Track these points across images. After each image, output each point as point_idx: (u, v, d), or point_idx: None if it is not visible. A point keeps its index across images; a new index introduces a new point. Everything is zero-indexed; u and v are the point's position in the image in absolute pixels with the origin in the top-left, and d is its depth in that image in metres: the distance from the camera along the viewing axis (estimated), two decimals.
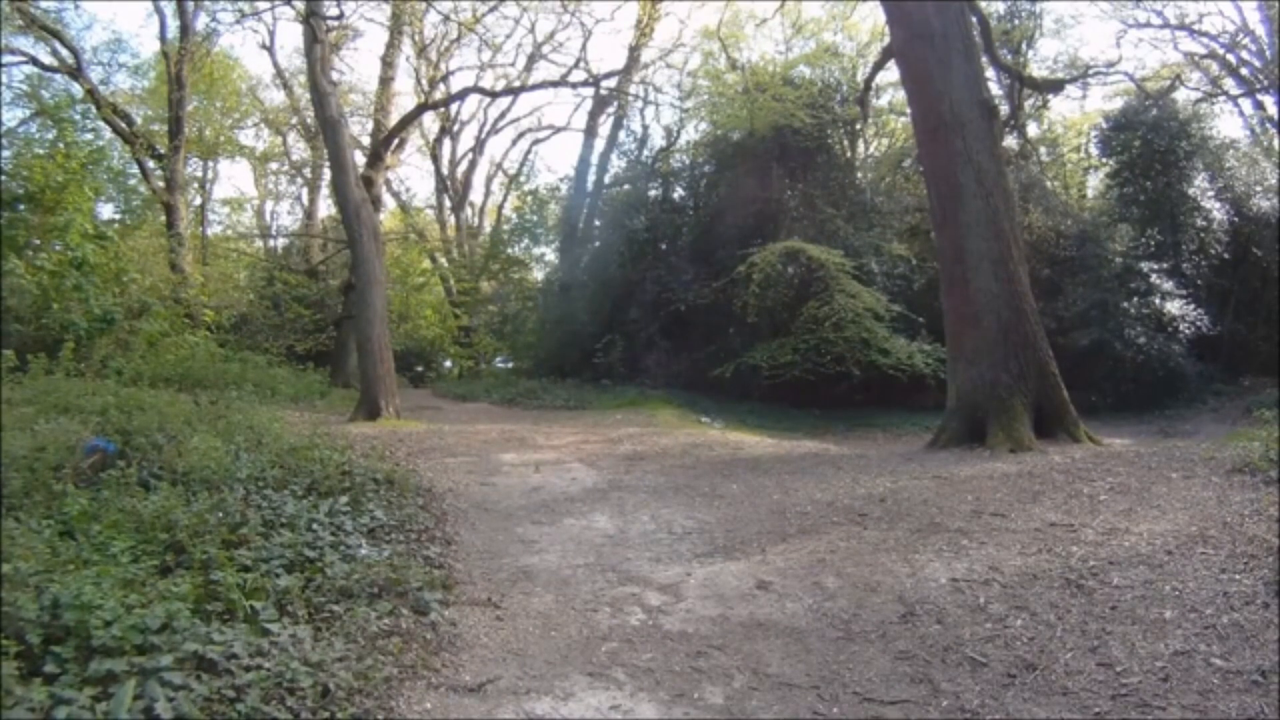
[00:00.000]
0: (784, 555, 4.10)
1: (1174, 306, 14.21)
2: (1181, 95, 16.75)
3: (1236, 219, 15.03)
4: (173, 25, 16.85)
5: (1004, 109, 14.07)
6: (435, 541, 4.19)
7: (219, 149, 21.60)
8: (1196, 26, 18.24)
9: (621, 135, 18.50)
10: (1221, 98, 17.90)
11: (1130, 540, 3.86)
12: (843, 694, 2.67)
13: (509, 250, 21.77)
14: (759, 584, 3.68)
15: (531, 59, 20.50)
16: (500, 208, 25.15)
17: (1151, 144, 14.57)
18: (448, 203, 24.92)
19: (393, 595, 3.18)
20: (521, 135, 25.34)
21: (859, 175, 16.95)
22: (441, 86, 21.18)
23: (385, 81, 17.34)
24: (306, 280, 20.43)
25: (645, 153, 17.90)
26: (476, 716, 2.47)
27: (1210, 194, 15.18)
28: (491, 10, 17.67)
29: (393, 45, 17.15)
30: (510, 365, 20.24)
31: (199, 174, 21.64)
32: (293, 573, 3.15)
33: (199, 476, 4.12)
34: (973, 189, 7.23)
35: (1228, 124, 37.93)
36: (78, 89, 15.23)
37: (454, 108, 22.62)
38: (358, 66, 51.84)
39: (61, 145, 11.42)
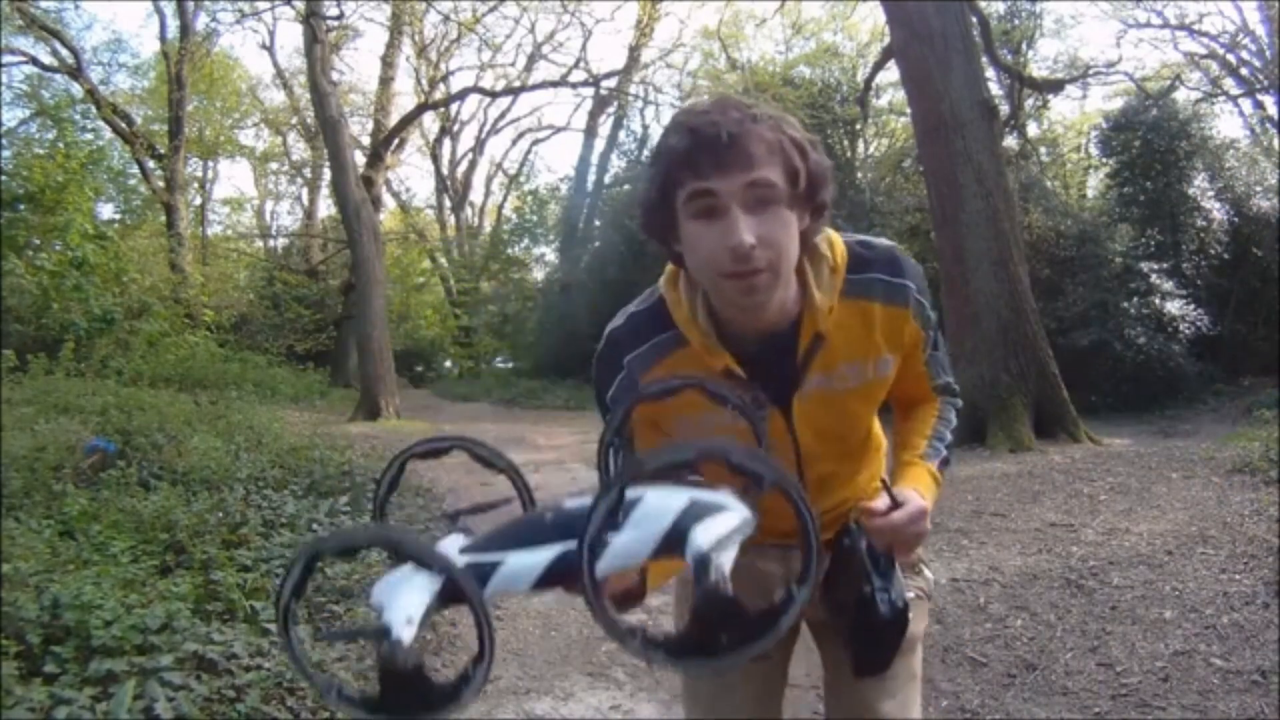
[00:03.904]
0: None
1: (1174, 306, 14.21)
2: (1181, 95, 16.71)
3: (1236, 219, 14.99)
4: (173, 25, 16.89)
5: (1004, 109, 14.04)
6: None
7: (219, 149, 21.58)
8: (1196, 26, 18.20)
9: (621, 135, 18.51)
10: (1221, 98, 17.88)
11: (1130, 540, 3.86)
12: None
13: (509, 250, 21.77)
14: None
15: (531, 59, 20.49)
16: (500, 208, 25.14)
17: (1151, 144, 14.53)
18: (448, 203, 24.89)
19: None
20: (521, 135, 25.33)
21: (859, 175, 16.92)
22: (441, 86, 21.16)
23: (385, 81, 17.33)
24: (306, 280, 20.41)
25: (645, 153, 17.90)
26: (476, 716, 2.47)
27: (1210, 194, 15.15)
28: (491, 10, 17.68)
29: (393, 45, 17.13)
30: (510, 365, 20.23)
31: (199, 174, 21.63)
32: None
33: (199, 476, 4.12)
34: (973, 189, 7.23)
35: (1228, 124, 37.91)
36: (78, 89, 15.22)
37: (454, 108, 22.59)
38: (358, 66, 51.79)
39: (61, 145, 11.41)
